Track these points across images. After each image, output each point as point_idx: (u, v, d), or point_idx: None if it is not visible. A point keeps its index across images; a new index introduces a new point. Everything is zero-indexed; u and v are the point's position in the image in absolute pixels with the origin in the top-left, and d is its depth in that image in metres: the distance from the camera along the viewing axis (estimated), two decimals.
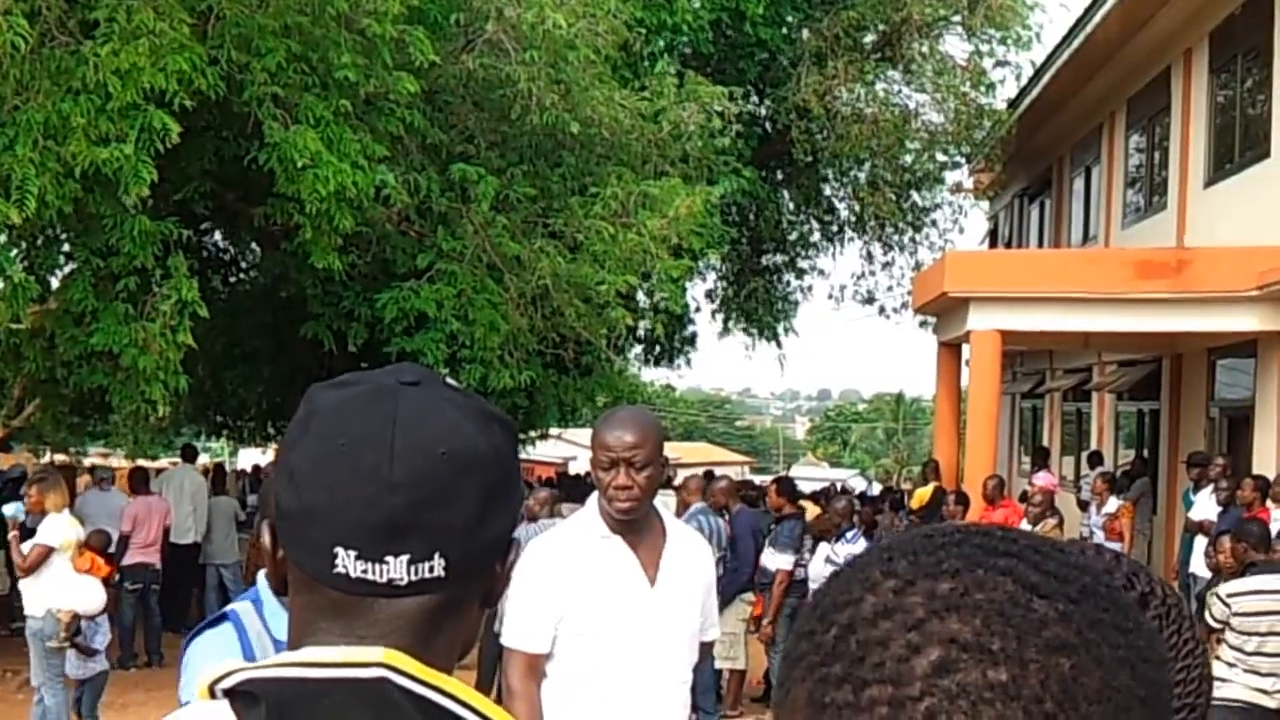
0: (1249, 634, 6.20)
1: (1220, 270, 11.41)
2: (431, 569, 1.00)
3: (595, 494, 3.30)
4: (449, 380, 1.11)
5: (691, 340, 20.36)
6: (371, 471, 0.99)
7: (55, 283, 9.28)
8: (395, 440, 1.00)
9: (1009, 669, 0.62)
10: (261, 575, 2.66)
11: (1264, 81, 12.25)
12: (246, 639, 2.53)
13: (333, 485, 1.00)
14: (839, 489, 13.85)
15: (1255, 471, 10.70)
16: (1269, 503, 9.33)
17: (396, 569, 0.99)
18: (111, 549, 9.22)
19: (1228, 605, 6.27)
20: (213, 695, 1.01)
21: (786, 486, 10.37)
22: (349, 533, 0.99)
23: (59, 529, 7.59)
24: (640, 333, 16.97)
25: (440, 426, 1.02)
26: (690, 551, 3.37)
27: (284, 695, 0.97)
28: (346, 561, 0.99)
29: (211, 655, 2.50)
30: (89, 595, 7.57)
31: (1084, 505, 13.60)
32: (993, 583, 0.65)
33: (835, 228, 21.02)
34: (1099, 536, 11.75)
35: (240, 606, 2.61)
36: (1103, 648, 0.64)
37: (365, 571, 0.99)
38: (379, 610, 1.01)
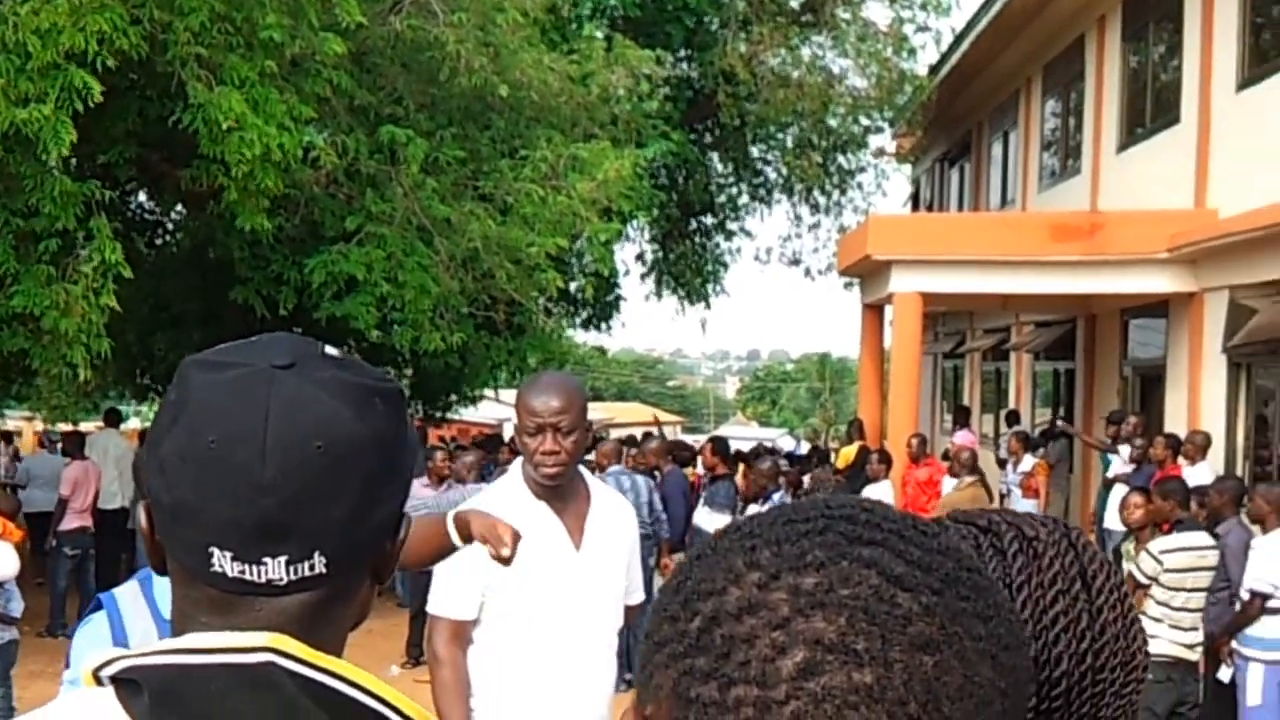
0: (1176, 589, 6.30)
1: (1132, 233, 11.57)
2: (312, 567, 0.95)
3: (519, 459, 3.25)
4: (328, 350, 1.03)
5: (618, 302, 20.32)
6: (243, 471, 0.93)
7: None
8: (267, 437, 0.93)
9: (873, 670, 0.61)
10: None
11: (1175, 48, 12.39)
12: (120, 625, 2.47)
13: (203, 486, 0.94)
14: (765, 449, 13.87)
15: (1167, 429, 10.90)
16: (1180, 460, 9.49)
17: (275, 570, 0.94)
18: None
19: (1159, 561, 6.36)
20: (98, 682, 0.96)
21: (721, 446, 10.39)
22: (222, 534, 0.94)
23: None
24: (570, 294, 16.88)
25: (315, 417, 0.95)
26: (615, 515, 3.34)
27: (167, 681, 0.93)
28: (223, 562, 0.94)
29: (86, 645, 2.45)
30: (2, 561, 7.34)
31: (1002, 463, 13.80)
32: (857, 577, 0.64)
33: (762, 190, 21.08)
34: (1016, 494, 11.94)
35: (122, 590, 2.54)
36: (965, 641, 0.64)
37: (242, 572, 0.94)
38: (260, 608, 0.96)
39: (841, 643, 0.62)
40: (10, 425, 23.11)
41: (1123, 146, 13.70)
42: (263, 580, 0.94)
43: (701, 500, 9.78)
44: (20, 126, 6.69)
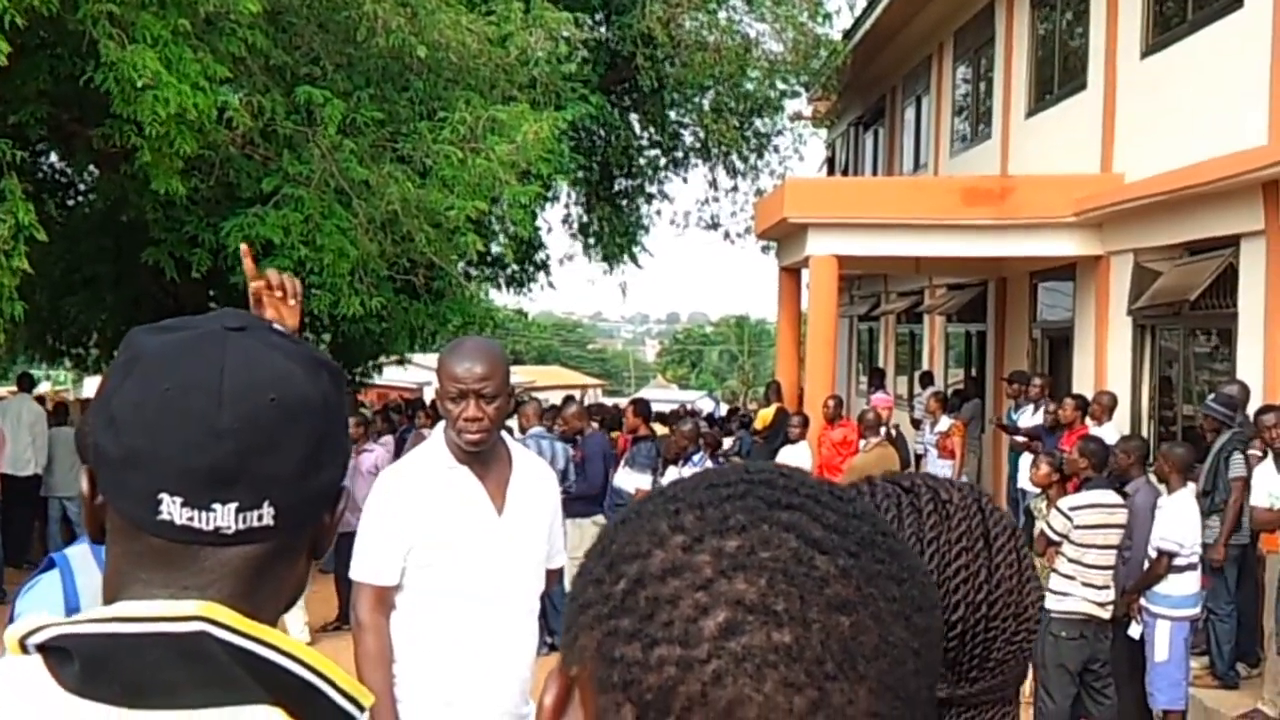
0: (1087, 545, 6.42)
1: (1041, 197, 11.76)
2: (260, 517, 0.96)
3: (441, 424, 3.22)
4: (275, 326, 1.06)
5: (543, 265, 20.23)
6: (199, 417, 0.94)
7: None
8: (224, 386, 0.95)
9: (792, 630, 0.63)
10: None
11: (1082, 14, 12.56)
12: (72, 585, 2.44)
13: (158, 430, 0.95)
14: (686, 411, 13.94)
15: (1074, 390, 11.13)
16: (1087, 420, 9.70)
17: (224, 517, 0.95)
18: None
19: (1069, 518, 6.46)
20: (24, 650, 0.95)
21: (643, 408, 10.43)
22: (174, 479, 0.94)
23: None
24: (491, 257, 16.76)
25: (270, 373, 0.98)
26: (536, 479, 3.33)
27: (97, 650, 0.92)
28: (172, 509, 0.95)
29: (36, 604, 2.42)
30: None
31: (917, 423, 14.00)
32: (777, 539, 0.66)
33: (681, 154, 21.07)
34: (932, 454, 12.13)
35: (74, 550, 2.51)
36: (880, 602, 0.65)
37: (191, 519, 0.95)
38: (204, 559, 0.96)
39: (762, 603, 0.63)
40: None
41: (1031, 112, 13.89)
42: (210, 528, 0.95)
43: (623, 461, 9.79)
44: None
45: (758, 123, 20.03)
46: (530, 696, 3.31)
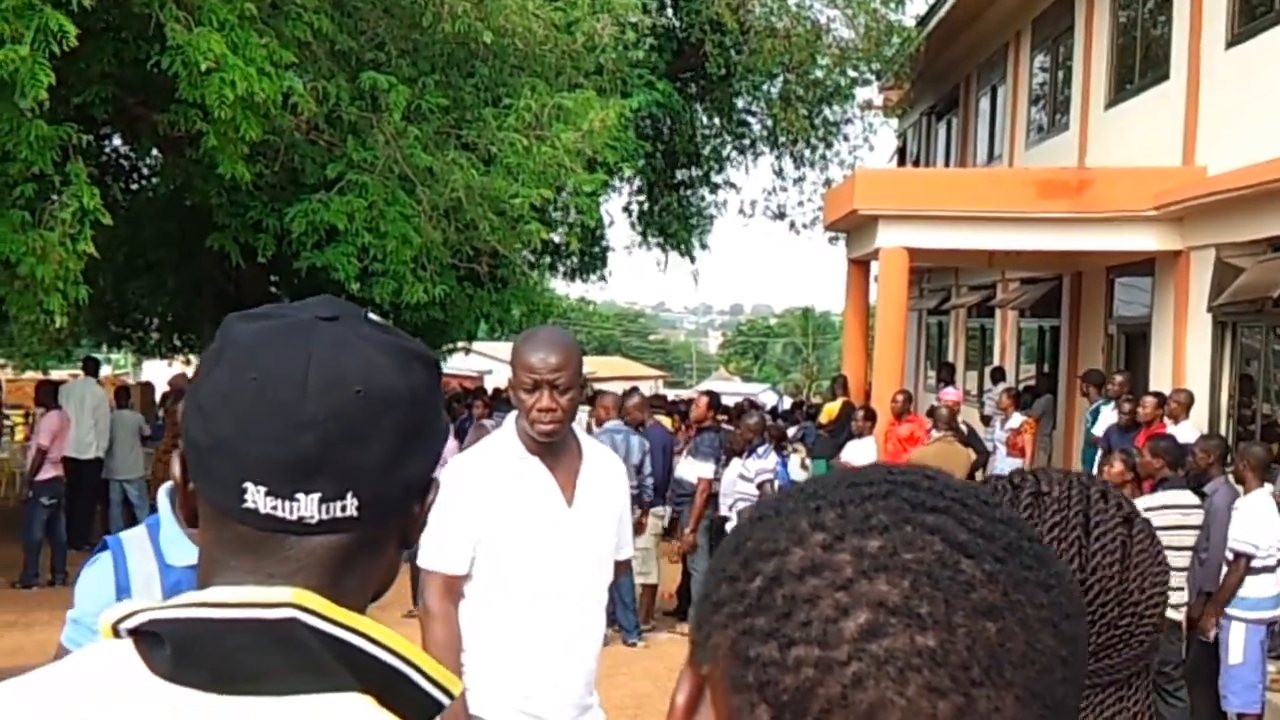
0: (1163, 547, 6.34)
1: (1119, 190, 11.59)
2: (344, 508, 0.97)
3: (513, 413, 3.26)
4: (370, 315, 1.06)
5: (605, 254, 20.28)
6: (284, 407, 0.95)
7: None
8: (309, 376, 0.96)
9: (936, 634, 0.62)
10: (162, 493, 2.61)
11: (1165, 3, 12.36)
12: (124, 570, 2.49)
13: (243, 419, 0.96)
14: (749, 405, 13.93)
15: (1151, 388, 10.98)
16: (1165, 419, 9.55)
17: (307, 507, 0.96)
18: None
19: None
20: (116, 634, 0.97)
21: (715, 401, 10.50)
22: (258, 468, 0.96)
23: None
24: (554, 246, 16.84)
25: (357, 364, 0.98)
26: (606, 471, 3.35)
27: (189, 635, 0.94)
28: (256, 497, 0.96)
29: (89, 589, 2.50)
30: None
31: (987, 420, 13.88)
32: (921, 541, 0.65)
33: (747, 142, 21.01)
34: (1001, 451, 12.02)
35: (129, 534, 2.57)
36: (1027, 609, 0.65)
37: (275, 508, 0.96)
38: (289, 548, 0.98)
39: (905, 606, 0.62)
40: None
41: (1111, 103, 13.69)
42: (294, 517, 0.96)
43: (686, 451, 9.82)
44: None
45: (827, 111, 19.92)
46: (595, 688, 3.35)
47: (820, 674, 0.62)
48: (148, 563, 2.51)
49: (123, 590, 2.46)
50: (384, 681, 0.95)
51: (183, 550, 2.48)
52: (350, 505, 0.97)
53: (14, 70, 6.63)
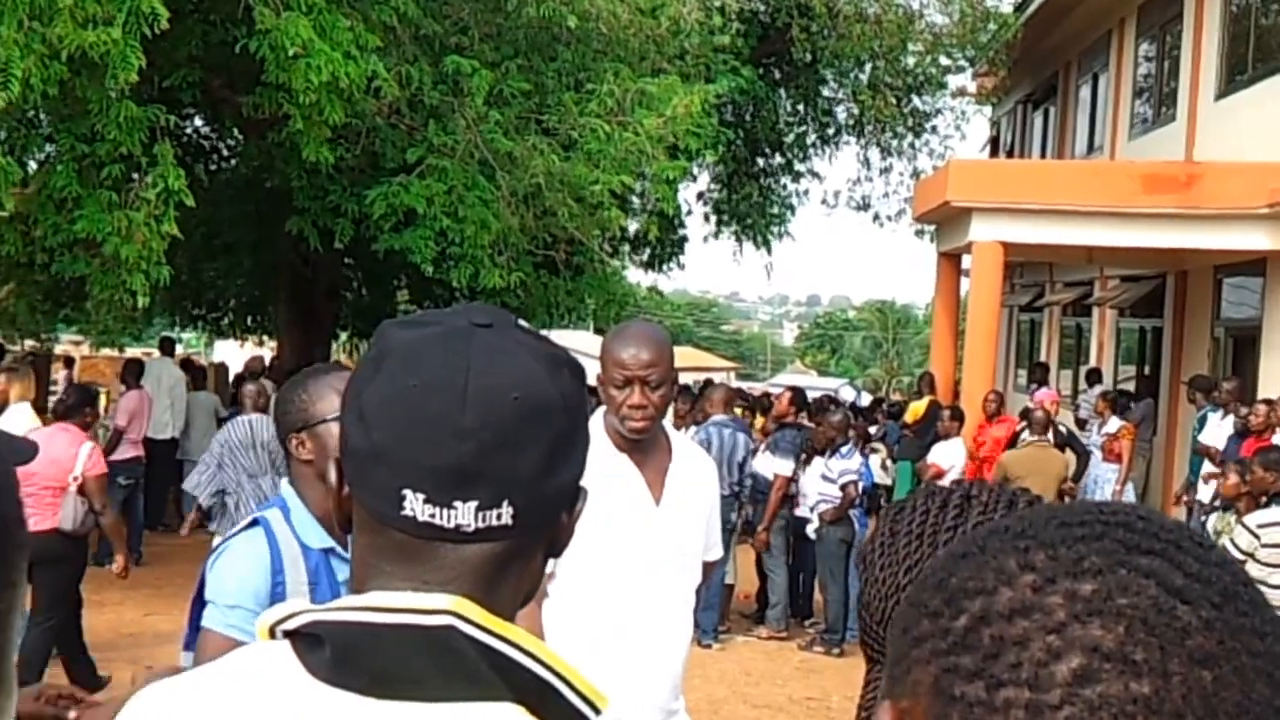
0: (1274, 566, 6.16)
1: (1230, 186, 11.38)
2: (499, 516, 1.00)
3: (601, 409, 3.27)
4: (521, 322, 1.10)
5: (681, 243, 20.27)
6: (443, 416, 0.99)
7: (32, 167, 9.15)
8: (468, 385, 0.99)
9: (1151, 681, 0.63)
10: (284, 482, 2.74)
11: None
12: (276, 546, 2.59)
13: (403, 427, 0.99)
14: (831, 401, 13.85)
15: (1260, 395, 10.74)
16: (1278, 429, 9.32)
17: (464, 515, 0.99)
18: None
19: (1256, 536, 6.22)
20: (273, 636, 1.01)
21: (800, 398, 10.49)
22: (417, 476, 0.99)
23: (18, 421, 7.48)
24: (631, 234, 16.88)
25: (513, 371, 1.01)
26: (696, 470, 3.35)
27: (348, 639, 0.97)
28: (414, 505, 0.99)
29: (242, 559, 2.57)
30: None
31: (1082, 423, 13.70)
32: (1136, 586, 0.66)
33: (832, 130, 20.85)
34: (1097, 456, 11.85)
35: (270, 514, 2.67)
36: (1243, 657, 0.65)
37: (433, 516, 0.99)
38: (445, 555, 1.01)
39: (1119, 651, 0.64)
40: (59, 350, 23.54)
41: (1222, 94, 13.43)
42: (451, 525, 0.99)
43: (764, 448, 9.83)
44: (87, 49, 6.78)
45: (917, 100, 19.71)
46: (681, 692, 3.37)
47: (1030, 716, 0.63)
48: (291, 544, 2.62)
49: (277, 569, 2.56)
50: (535, 693, 0.97)
51: (316, 534, 2.62)
52: (505, 514, 1.00)
53: (105, 52, 6.81)
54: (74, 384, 8.64)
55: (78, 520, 6.72)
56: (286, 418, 2.71)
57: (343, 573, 2.61)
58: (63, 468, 6.68)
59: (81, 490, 6.73)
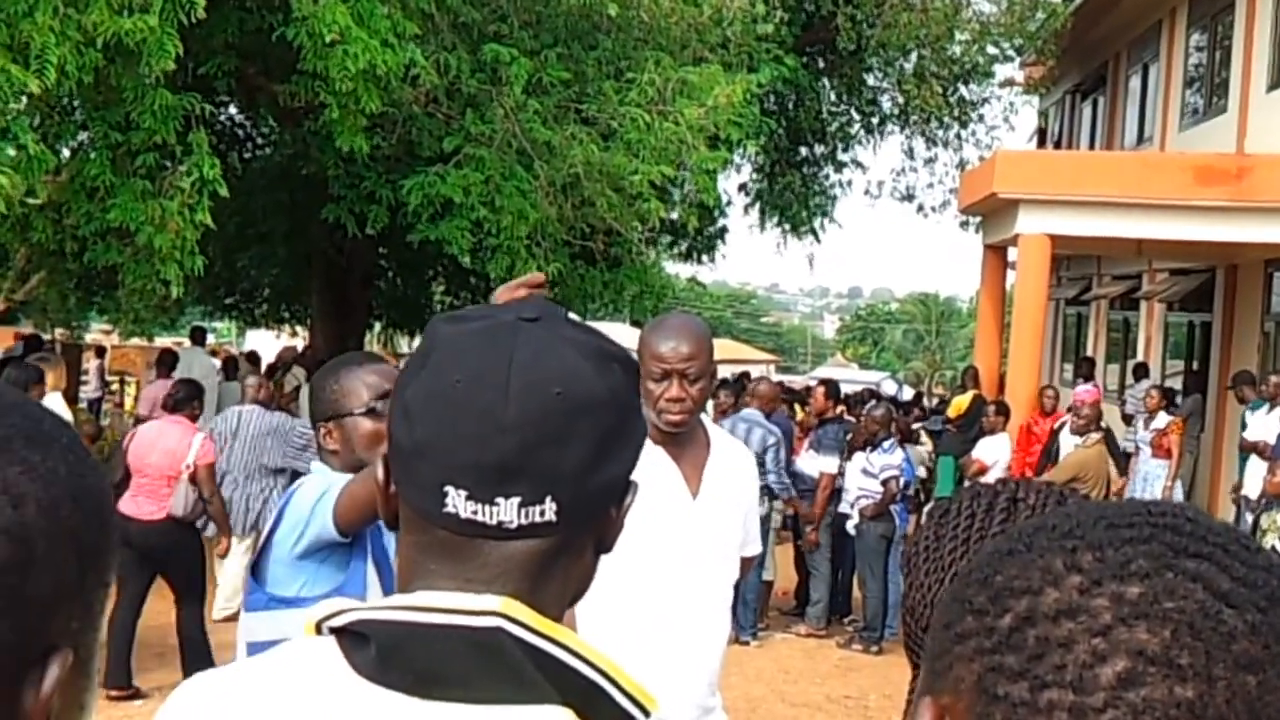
0: None
1: None
2: (542, 513, 1.00)
3: None
4: (571, 316, 1.10)
5: (722, 234, 20.23)
6: (485, 411, 0.99)
7: (65, 155, 9.24)
8: (511, 380, 1.00)
9: (1196, 686, 0.64)
10: (317, 461, 2.87)
11: None
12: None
13: (445, 423, 1.00)
14: (873, 394, 13.80)
15: None
16: None
17: (506, 511, 0.99)
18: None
19: None
20: (319, 632, 1.02)
21: (833, 390, 10.42)
22: (460, 472, 0.99)
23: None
24: (670, 225, 16.86)
25: (557, 367, 1.01)
26: (734, 464, 3.34)
27: (395, 637, 0.98)
28: (456, 501, 1.00)
29: (312, 491, 2.67)
30: None
31: (1129, 418, 13.59)
32: (1183, 590, 0.67)
33: (876, 120, 20.73)
34: (1145, 451, 11.76)
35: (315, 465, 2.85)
36: None
37: (475, 512, 1.00)
38: (489, 552, 1.01)
39: (1165, 655, 0.64)
40: (89, 339, 23.79)
41: (1274, 85, 13.28)
42: (494, 522, 1.00)
43: (807, 444, 9.79)
44: (122, 37, 6.83)
45: (963, 89, 19.58)
46: (718, 689, 3.37)
47: (1074, 718, 0.65)
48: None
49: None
50: (583, 696, 0.97)
51: None
52: (549, 509, 1.00)
53: (142, 40, 6.87)
54: (182, 379, 8.86)
55: (188, 507, 7.03)
56: (318, 406, 2.79)
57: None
58: (176, 458, 7.04)
59: (192, 479, 7.05)
